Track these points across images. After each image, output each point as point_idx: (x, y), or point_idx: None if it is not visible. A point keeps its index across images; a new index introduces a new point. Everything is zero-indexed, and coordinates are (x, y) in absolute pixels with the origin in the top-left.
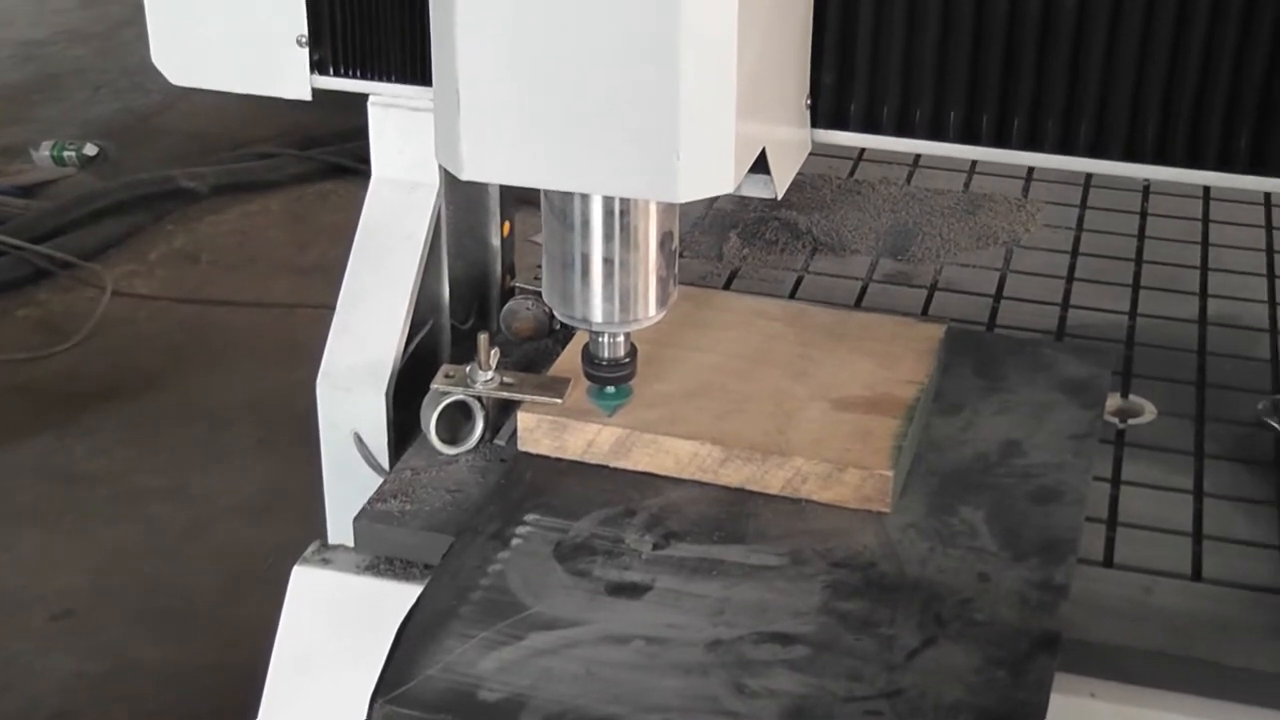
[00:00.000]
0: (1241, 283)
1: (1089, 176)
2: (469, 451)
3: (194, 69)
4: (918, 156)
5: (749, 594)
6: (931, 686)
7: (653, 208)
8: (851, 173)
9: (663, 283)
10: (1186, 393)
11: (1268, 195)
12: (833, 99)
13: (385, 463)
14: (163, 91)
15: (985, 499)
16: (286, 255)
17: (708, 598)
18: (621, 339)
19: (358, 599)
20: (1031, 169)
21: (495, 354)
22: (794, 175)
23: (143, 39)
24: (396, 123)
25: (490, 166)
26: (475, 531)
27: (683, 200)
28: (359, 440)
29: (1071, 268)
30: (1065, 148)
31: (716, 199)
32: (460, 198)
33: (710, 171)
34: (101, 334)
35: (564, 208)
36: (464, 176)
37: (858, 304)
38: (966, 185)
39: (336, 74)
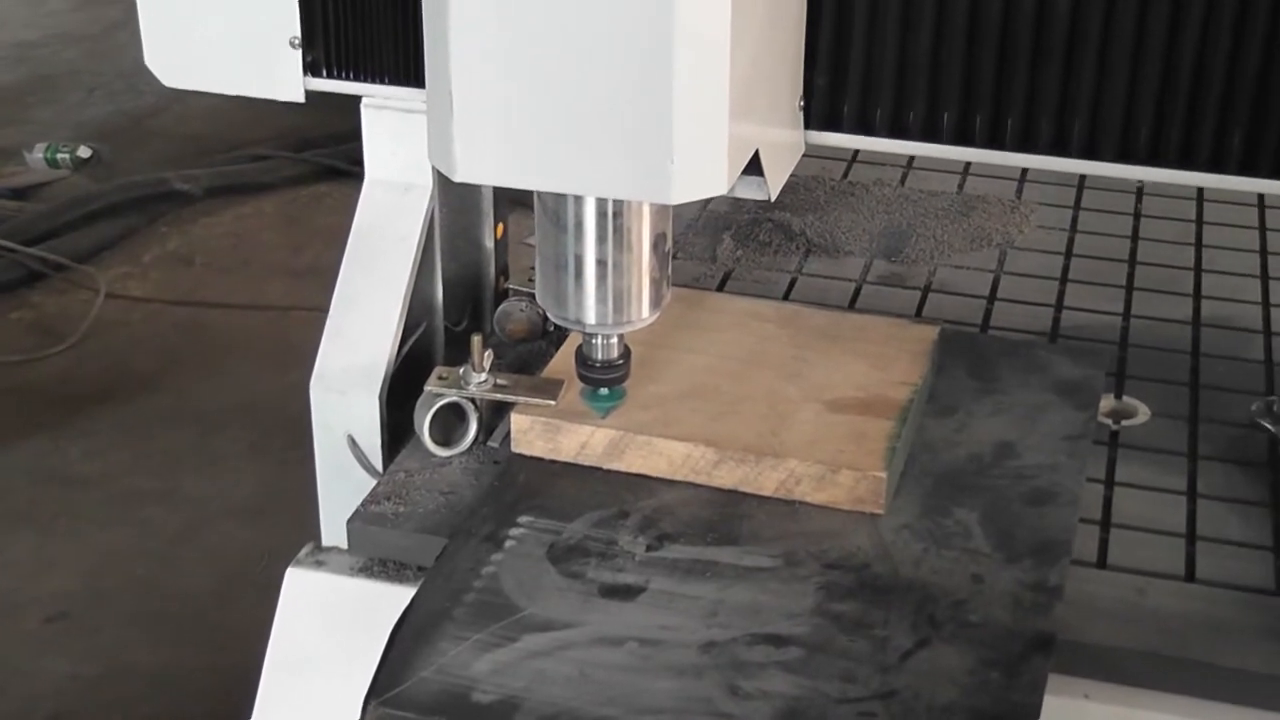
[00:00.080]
0: (1235, 284)
1: (1083, 178)
2: (463, 453)
3: (187, 71)
4: (911, 158)
5: (743, 595)
6: (925, 688)
7: (646, 209)
8: (845, 174)
9: (656, 284)
10: (1180, 394)
11: (1261, 196)
12: (826, 101)
13: (379, 465)
14: (156, 94)
15: (979, 500)
16: (280, 258)
17: (701, 599)
18: (615, 341)
19: (351, 601)
20: (1025, 170)
21: (489, 356)
22: (787, 177)
23: (136, 41)
24: (389, 124)
25: (483, 168)
26: (469, 533)
27: (676, 202)
28: (352, 442)
29: (1065, 269)
30: (1059, 149)
31: (710, 201)
32: (454, 199)
33: (703, 173)
34: (95, 336)
35: (557, 209)
36: (457, 178)
37: (851, 306)
38: (960, 187)
39: (330, 76)
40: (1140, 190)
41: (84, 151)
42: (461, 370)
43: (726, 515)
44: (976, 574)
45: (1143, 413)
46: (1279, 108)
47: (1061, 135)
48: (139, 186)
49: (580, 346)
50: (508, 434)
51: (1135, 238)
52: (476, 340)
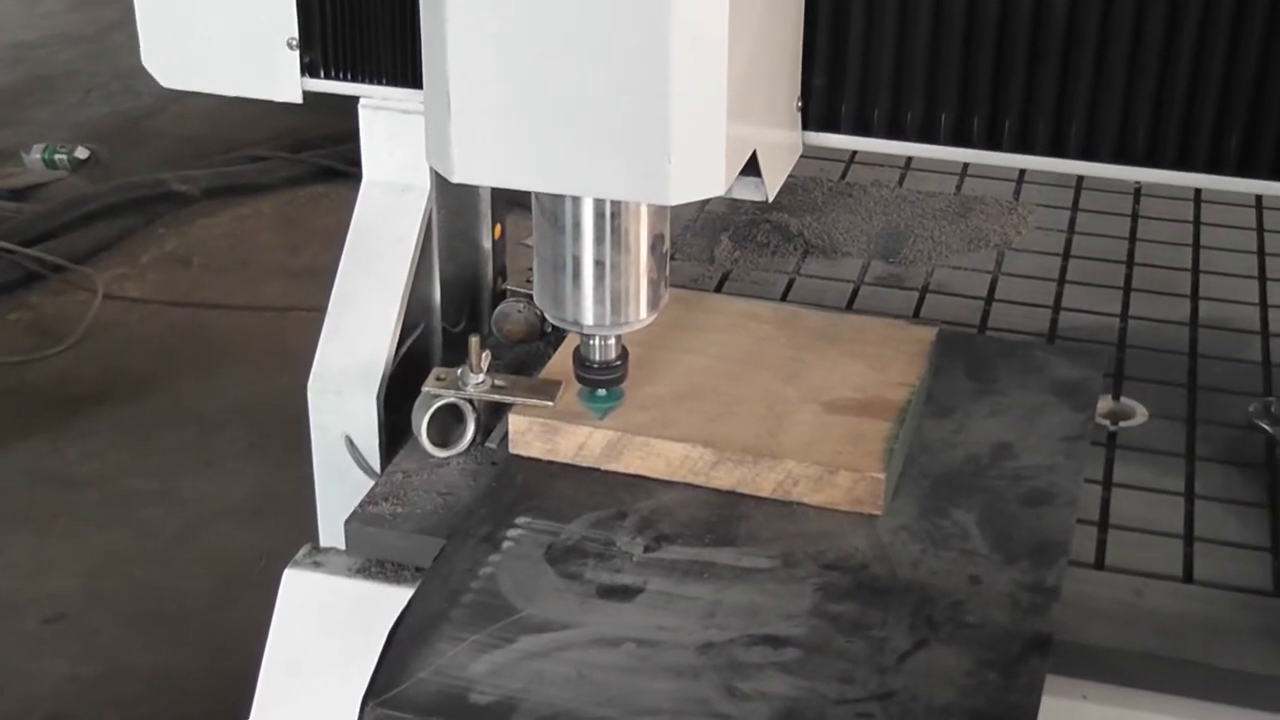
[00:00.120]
0: (1232, 285)
1: (1080, 179)
2: (460, 454)
3: (185, 72)
4: (909, 159)
5: (740, 596)
6: (923, 689)
7: (644, 210)
8: (843, 175)
9: (654, 285)
10: (1178, 395)
11: (1258, 197)
12: (824, 101)
13: (376, 466)
14: (154, 94)
15: (977, 501)
16: (278, 258)
17: (699, 600)
18: (613, 341)
19: (349, 602)
20: (1023, 171)
21: (486, 357)
22: (785, 178)
23: (133, 42)
24: (387, 125)
25: (481, 169)
26: (466, 534)
27: (673, 203)
28: (350, 443)
29: (1063, 270)
30: (1056, 150)
31: (708, 201)
32: (451, 200)
33: (701, 174)
34: (93, 337)
35: (555, 210)
36: (455, 179)
37: (849, 307)
38: (958, 188)
39: (327, 76)
40: (1138, 191)
41: (81, 152)
42: (459, 371)
43: (724, 516)
44: (974, 575)
45: (1140, 414)
46: (1276, 108)
47: (1059, 136)
48: (136, 187)
49: (578, 347)
50: (505, 435)
51: (1133, 239)
52: (474, 341)
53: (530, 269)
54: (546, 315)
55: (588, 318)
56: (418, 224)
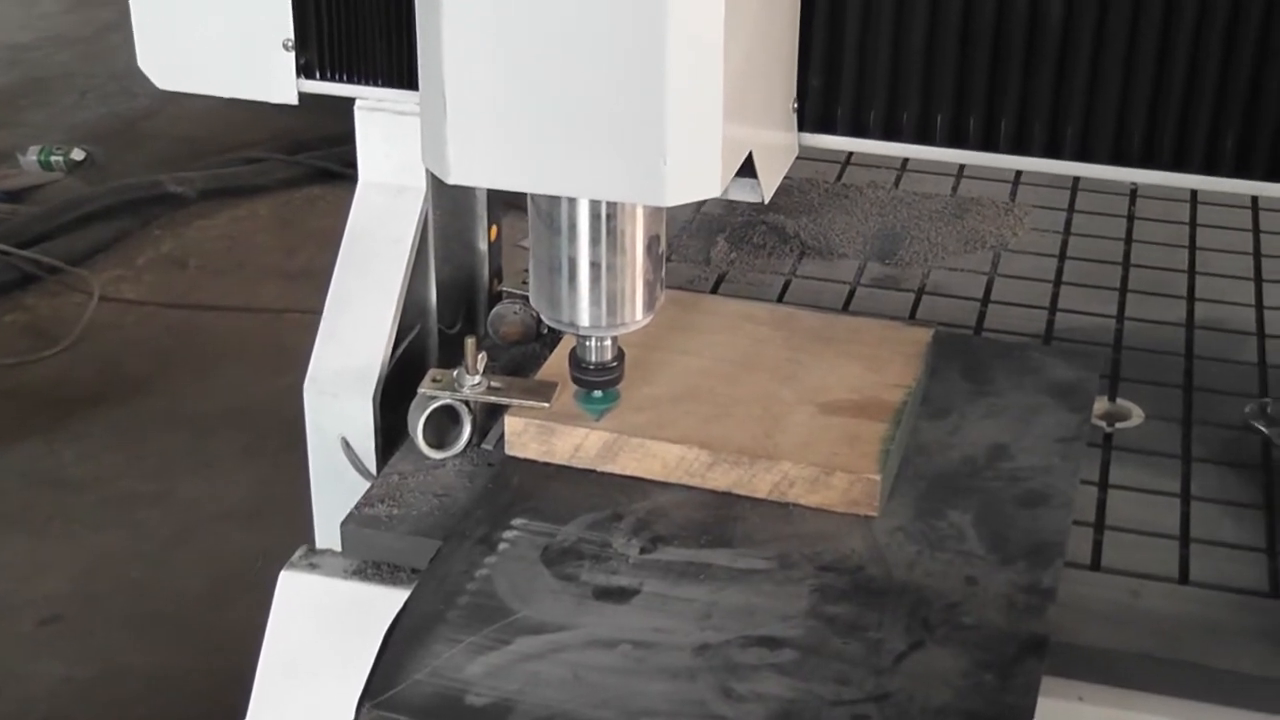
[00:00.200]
0: (1228, 286)
1: (1076, 180)
2: (456, 456)
3: (180, 73)
4: (905, 160)
5: (736, 598)
6: (919, 690)
7: (640, 211)
8: (839, 176)
9: (650, 287)
10: (1174, 396)
11: (1254, 199)
12: (820, 102)
13: (372, 467)
14: (150, 96)
15: (973, 502)
16: (274, 260)
17: (695, 602)
18: (609, 343)
19: (345, 603)
20: (1019, 173)
21: (482, 358)
22: (781, 179)
23: (129, 43)
24: (383, 127)
25: (477, 170)
26: (462, 536)
27: (669, 204)
28: (346, 445)
29: (1059, 271)
30: (1052, 151)
31: (704, 203)
32: (447, 202)
33: (697, 175)
34: (89, 339)
35: (551, 212)
36: (450, 180)
37: (845, 308)
38: (954, 189)
39: (323, 78)
40: (1134, 192)
41: (77, 154)
42: (455, 373)
43: (720, 518)
44: (970, 576)
45: (1136, 415)
46: (1272, 110)
47: (1055, 138)
48: (132, 189)
49: (574, 349)
50: (501, 436)
51: (1129, 240)
52: (470, 343)
53: (526, 270)
54: (542, 317)
55: (584, 319)
56: (414, 225)
